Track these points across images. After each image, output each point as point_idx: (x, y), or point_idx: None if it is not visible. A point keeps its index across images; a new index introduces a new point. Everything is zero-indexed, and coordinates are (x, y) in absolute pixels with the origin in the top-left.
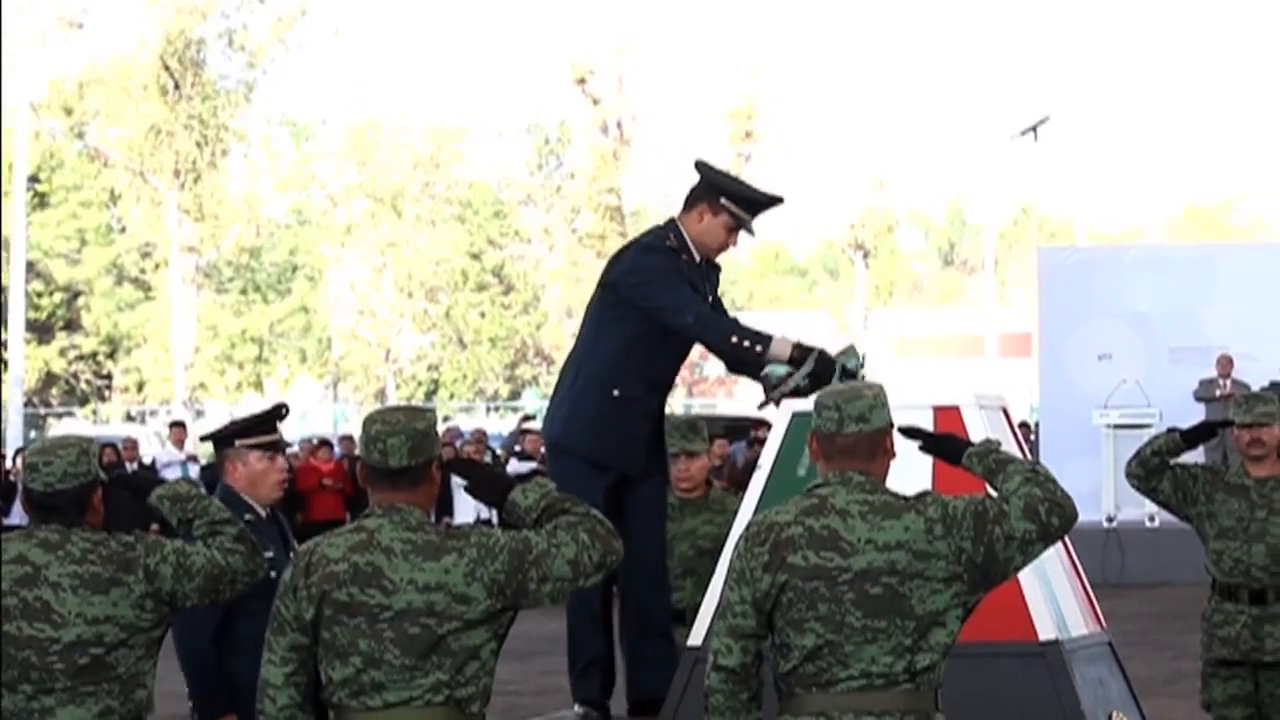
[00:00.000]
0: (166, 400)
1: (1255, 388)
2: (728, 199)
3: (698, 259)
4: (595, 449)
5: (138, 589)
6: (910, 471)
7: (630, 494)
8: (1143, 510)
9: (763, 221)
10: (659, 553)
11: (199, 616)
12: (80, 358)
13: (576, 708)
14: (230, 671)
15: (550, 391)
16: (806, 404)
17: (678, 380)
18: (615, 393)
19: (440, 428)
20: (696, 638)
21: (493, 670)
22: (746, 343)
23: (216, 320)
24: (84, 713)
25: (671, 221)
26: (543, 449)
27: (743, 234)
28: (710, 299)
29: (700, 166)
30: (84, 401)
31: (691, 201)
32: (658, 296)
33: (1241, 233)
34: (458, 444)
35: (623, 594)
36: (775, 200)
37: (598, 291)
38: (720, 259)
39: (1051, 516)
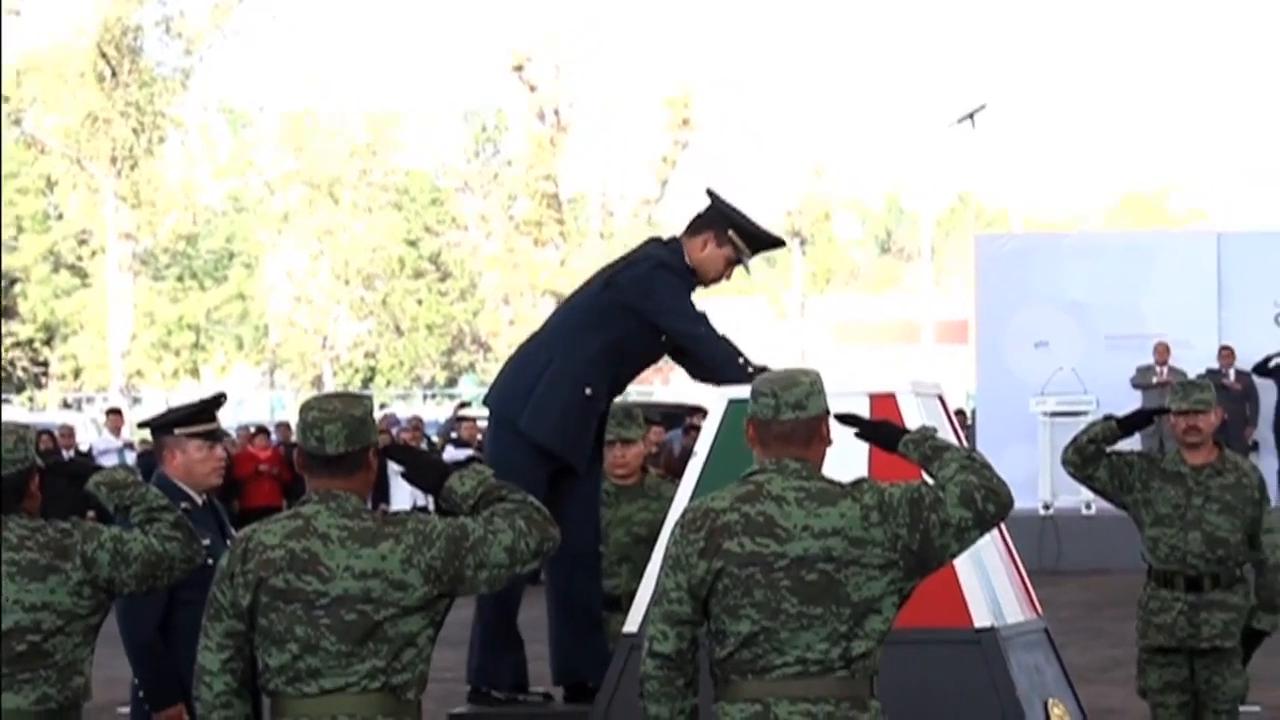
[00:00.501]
0: (103, 387)
1: (1191, 375)
2: (735, 232)
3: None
4: (554, 440)
5: (75, 576)
6: (846, 458)
7: (567, 481)
8: (1079, 498)
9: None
10: (593, 539)
11: (144, 608)
12: (16, 344)
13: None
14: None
15: (488, 379)
16: (743, 391)
17: None
18: (587, 391)
19: (377, 415)
20: (632, 624)
21: (429, 657)
22: (750, 369)
23: (153, 307)
24: (21, 700)
25: (675, 240)
26: (479, 434)
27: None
28: None
29: (712, 195)
30: (20, 388)
31: (698, 227)
32: (673, 305)
33: (1178, 221)
34: (394, 431)
35: (554, 579)
36: (778, 242)
37: (598, 288)
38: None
39: (987, 504)
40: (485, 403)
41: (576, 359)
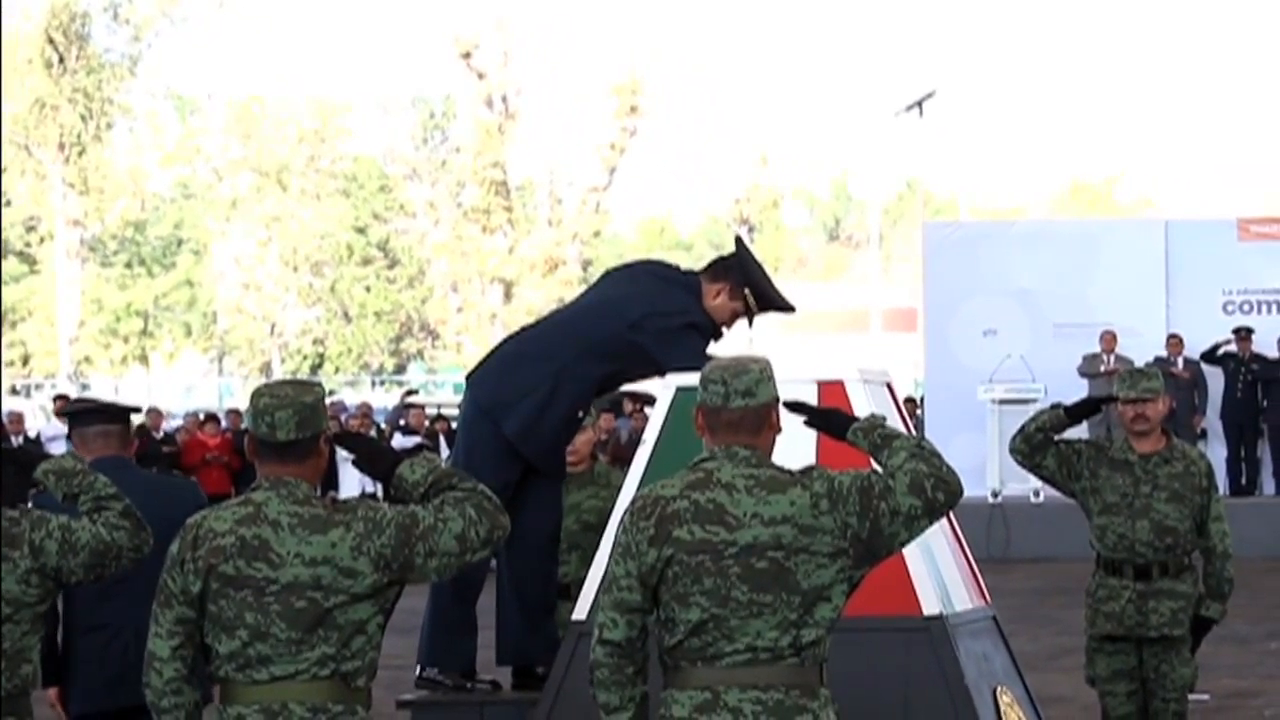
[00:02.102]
0: (51, 374)
1: (1139, 363)
2: (751, 290)
3: None
4: (541, 455)
5: (23, 564)
6: (795, 446)
7: (531, 472)
8: (1027, 485)
9: (647, 197)
10: (555, 524)
11: None
12: None
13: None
14: (68, 644)
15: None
16: (691, 379)
17: None
18: (580, 415)
19: (326, 402)
20: (581, 612)
21: (379, 645)
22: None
23: (101, 294)
24: None
25: (697, 278)
26: (428, 420)
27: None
28: None
29: (739, 245)
30: None
31: (718, 274)
32: (689, 364)
33: (1125, 210)
34: (343, 418)
35: (512, 562)
36: (789, 308)
37: (623, 327)
38: (605, 234)
39: (937, 492)
40: (469, 383)
41: (583, 386)
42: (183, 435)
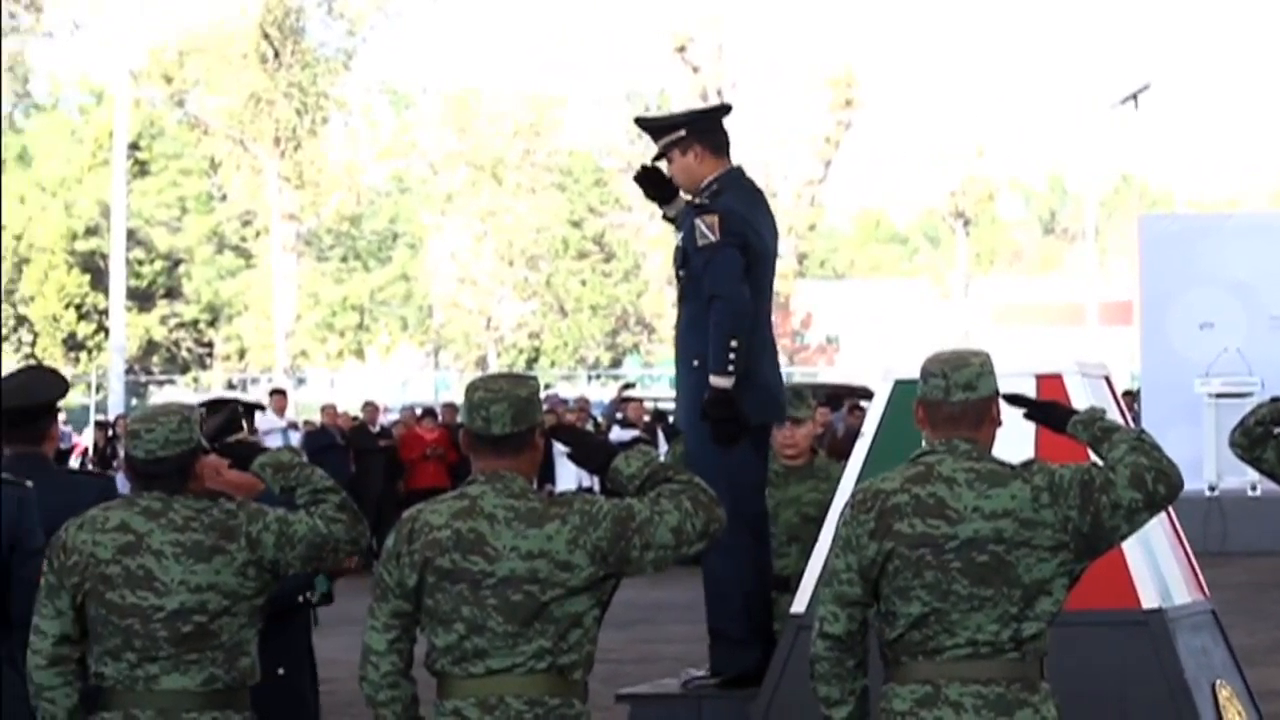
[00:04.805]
0: (268, 368)
1: None
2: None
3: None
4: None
5: (240, 557)
6: (1013, 439)
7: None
8: (1245, 479)
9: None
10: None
11: None
12: (181, 325)
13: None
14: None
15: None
16: (911, 371)
17: (780, 347)
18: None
19: (542, 396)
20: (800, 605)
21: (595, 638)
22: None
23: (317, 288)
24: (188, 681)
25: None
26: (645, 414)
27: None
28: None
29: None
30: (185, 369)
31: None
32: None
33: None
34: (560, 411)
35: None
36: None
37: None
38: (821, 227)
39: (1158, 485)
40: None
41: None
42: (399, 429)
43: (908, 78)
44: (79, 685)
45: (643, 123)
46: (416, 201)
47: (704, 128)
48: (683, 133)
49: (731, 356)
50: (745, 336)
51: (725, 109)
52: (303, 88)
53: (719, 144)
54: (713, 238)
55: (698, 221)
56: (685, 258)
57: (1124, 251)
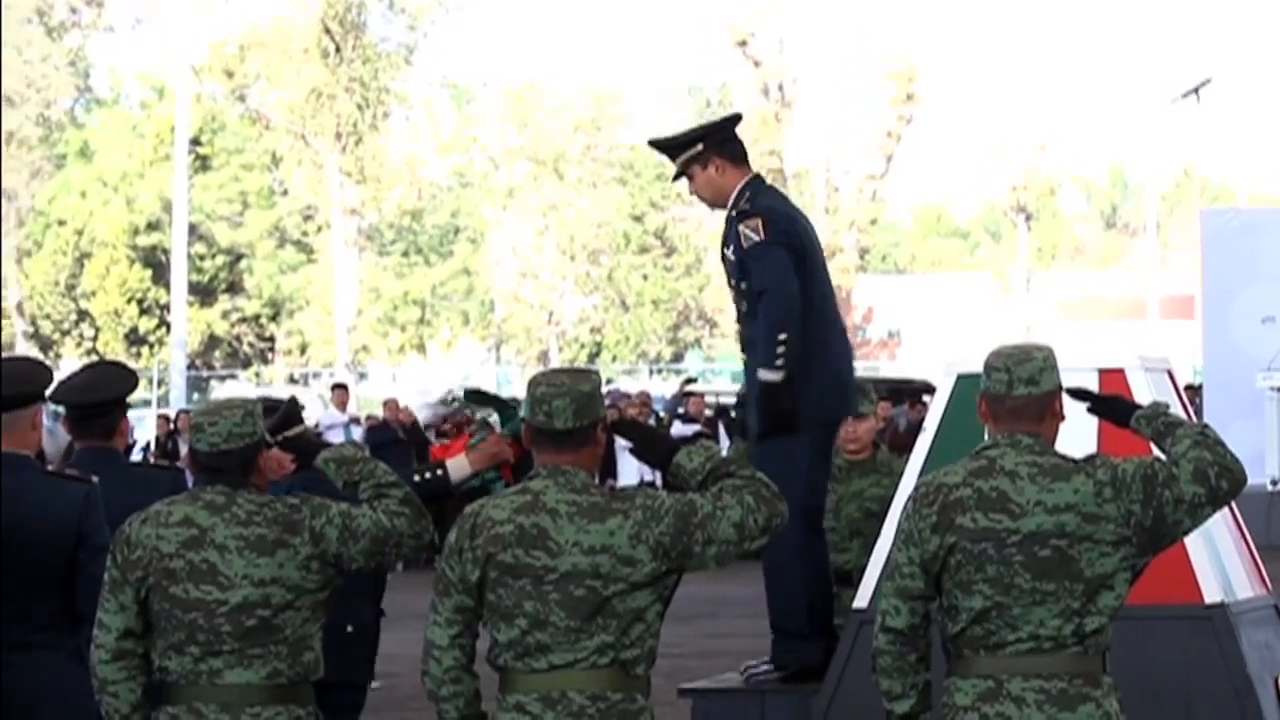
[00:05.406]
0: (329, 363)
1: None
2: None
3: None
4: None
5: (304, 551)
6: (1077, 434)
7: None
8: None
9: (924, 185)
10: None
11: None
12: (243, 320)
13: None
14: None
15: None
16: (973, 366)
17: None
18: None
19: (604, 390)
20: (863, 599)
21: (658, 633)
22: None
23: (379, 283)
24: (252, 675)
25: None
26: (707, 409)
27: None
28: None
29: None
30: (246, 364)
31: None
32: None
33: None
34: (621, 406)
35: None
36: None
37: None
38: (882, 222)
39: (1221, 480)
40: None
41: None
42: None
43: (969, 72)
44: (143, 680)
45: (657, 144)
46: (477, 196)
47: (721, 139)
48: (700, 147)
49: (780, 350)
50: (796, 331)
51: (737, 118)
52: (364, 82)
53: (737, 153)
54: (758, 239)
55: (742, 228)
56: (742, 268)
57: (1185, 246)
